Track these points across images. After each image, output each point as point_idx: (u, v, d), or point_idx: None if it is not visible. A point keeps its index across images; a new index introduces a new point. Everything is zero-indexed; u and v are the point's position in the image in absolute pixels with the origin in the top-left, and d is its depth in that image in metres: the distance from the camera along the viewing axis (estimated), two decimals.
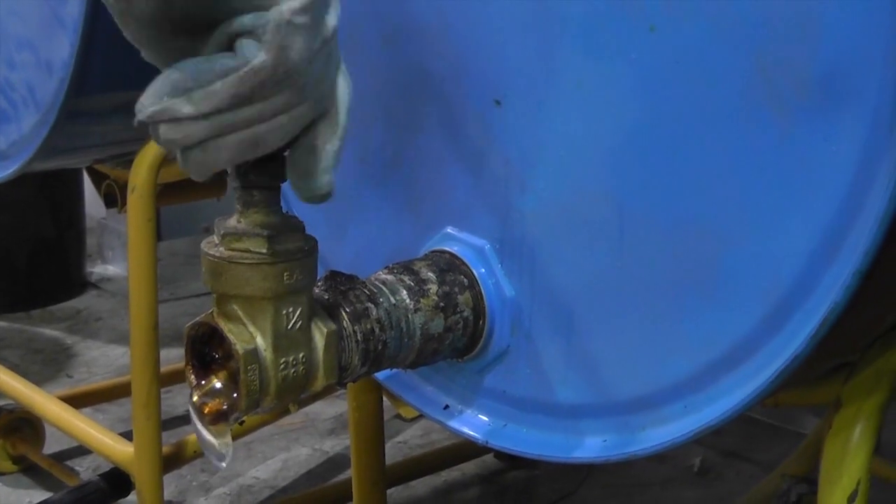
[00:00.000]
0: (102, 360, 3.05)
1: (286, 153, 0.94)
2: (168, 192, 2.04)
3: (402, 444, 2.58)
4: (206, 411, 1.00)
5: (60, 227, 3.40)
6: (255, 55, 0.85)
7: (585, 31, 1.05)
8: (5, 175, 1.90)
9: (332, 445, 2.59)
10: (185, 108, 0.86)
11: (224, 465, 1.00)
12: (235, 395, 0.99)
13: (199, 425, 1.01)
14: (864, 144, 0.91)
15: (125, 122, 1.89)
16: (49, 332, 3.25)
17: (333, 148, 0.93)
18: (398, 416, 2.66)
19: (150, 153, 1.76)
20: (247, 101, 0.86)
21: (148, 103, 0.87)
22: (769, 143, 0.96)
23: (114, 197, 2.17)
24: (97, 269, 3.67)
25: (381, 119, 1.23)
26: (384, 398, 1.67)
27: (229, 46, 0.87)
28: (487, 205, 1.16)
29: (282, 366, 0.99)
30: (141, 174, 1.76)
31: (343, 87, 0.93)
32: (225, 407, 0.99)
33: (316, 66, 0.88)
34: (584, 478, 2.40)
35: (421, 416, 2.63)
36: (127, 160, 1.97)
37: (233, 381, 0.99)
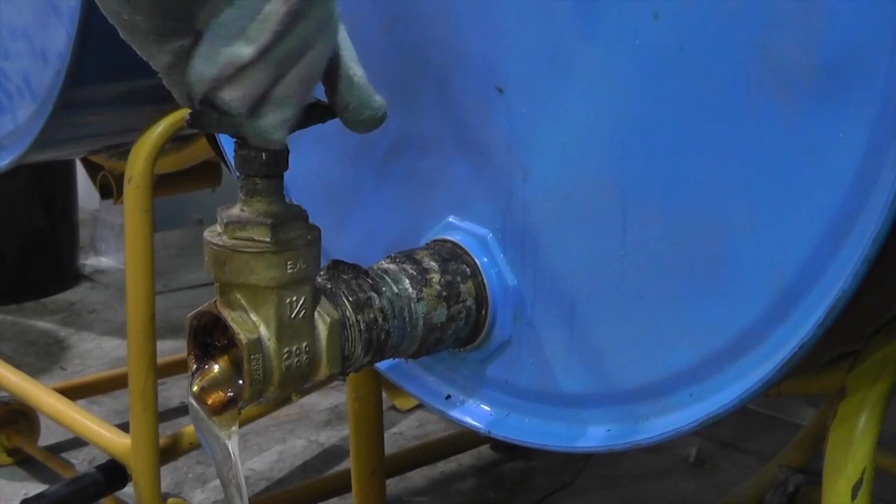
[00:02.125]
0: (96, 353, 3.04)
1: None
2: (163, 183, 2.04)
3: (398, 436, 2.58)
4: (209, 402, 0.99)
5: (53, 218, 3.39)
6: None
7: (589, 18, 1.05)
8: (0, 167, 1.89)
9: (328, 437, 2.59)
10: (247, 50, 0.86)
11: (234, 456, 0.99)
12: (238, 384, 0.98)
13: (201, 416, 1.01)
14: (871, 131, 0.90)
15: (122, 113, 1.90)
16: (42, 324, 3.24)
17: (362, 71, 0.96)
18: (394, 408, 2.65)
19: (147, 143, 1.76)
20: (299, 17, 0.86)
21: (204, 70, 0.87)
22: (774, 130, 0.95)
23: (109, 188, 2.17)
24: (90, 262, 3.67)
25: None
26: None
27: None
28: (490, 193, 1.16)
29: (285, 355, 0.99)
30: (138, 164, 1.75)
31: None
32: (229, 396, 0.98)
33: None
34: (581, 469, 2.40)
35: (417, 407, 2.65)
36: (123, 151, 1.96)
37: (236, 370, 0.98)
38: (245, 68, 0.86)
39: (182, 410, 2.63)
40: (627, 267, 1.07)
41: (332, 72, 0.95)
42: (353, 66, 0.95)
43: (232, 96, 0.88)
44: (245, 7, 0.85)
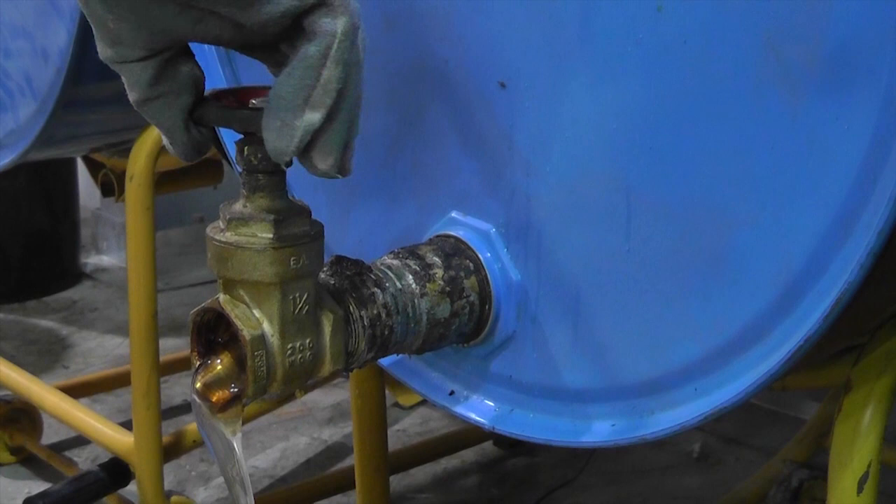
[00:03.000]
0: (99, 351, 3.04)
1: None
2: (165, 181, 2.03)
3: (400, 433, 2.57)
4: (212, 399, 0.99)
5: (55, 217, 3.39)
6: (334, 24, 0.85)
7: (592, 11, 1.04)
8: (1, 165, 1.89)
9: (331, 434, 2.58)
10: (316, 116, 0.87)
11: (238, 453, 0.99)
12: (242, 380, 0.98)
13: (204, 413, 1.00)
14: (877, 122, 0.90)
15: (123, 111, 1.88)
16: (44, 323, 3.24)
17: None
18: (397, 405, 2.65)
19: (148, 141, 1.75)
20: (347, 66, 0.87)
21: (283, 147, 0.88)
22: (779, 122, 0.95)
23: (111, 186, 2.16)
24: (92, 260, 3.66)
25: (384, 102, 1.22)
26: None
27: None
28: (492, 188, 1.15)
29: (289, 351, 0.98)
30: (139, 162, 1.75)
31: None
32: (232, 393, 0.98)
33: None
34: (585, 465, 2.39)
35: (419, 404, 2.65)
36: (124, 149, 1.96)
37: (239, 366, 0.98)
38: (318, 132, 0.88)
39: (185, 408, 2.63)
40: (632, 261, 1.07)
41: None
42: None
43: (321, 162, 0.90)
44: (305, 77, 0.86)
